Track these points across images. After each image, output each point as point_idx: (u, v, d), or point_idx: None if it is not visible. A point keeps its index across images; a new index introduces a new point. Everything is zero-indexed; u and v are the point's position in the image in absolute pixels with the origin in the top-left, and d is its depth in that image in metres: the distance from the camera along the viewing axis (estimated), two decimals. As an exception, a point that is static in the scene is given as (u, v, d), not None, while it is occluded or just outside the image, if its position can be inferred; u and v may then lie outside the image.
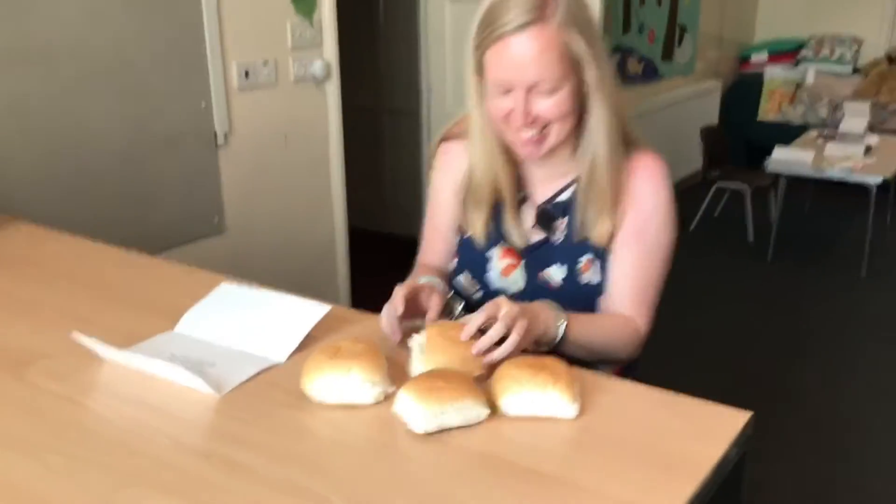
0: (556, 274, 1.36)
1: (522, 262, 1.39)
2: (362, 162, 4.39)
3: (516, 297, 1.34)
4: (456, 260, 1.45)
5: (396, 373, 1.11)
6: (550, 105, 1.23)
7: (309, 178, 3.12)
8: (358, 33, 4.39)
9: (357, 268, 3.45)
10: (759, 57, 6.41)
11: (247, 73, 2.76)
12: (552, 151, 1.30)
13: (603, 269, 1.35)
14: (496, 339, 1.09)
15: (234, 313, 1.27)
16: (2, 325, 1.31)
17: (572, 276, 1.35)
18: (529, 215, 1.39)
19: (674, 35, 5.44)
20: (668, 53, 5.43)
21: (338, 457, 0.96)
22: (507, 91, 1.22)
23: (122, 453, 0.95)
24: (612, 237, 1.33)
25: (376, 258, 4.08)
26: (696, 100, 5.75)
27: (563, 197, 1.36)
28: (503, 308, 1.12)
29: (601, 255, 1.34)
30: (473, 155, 1.36)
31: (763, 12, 6.64)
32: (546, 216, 1.37)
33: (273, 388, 1.10)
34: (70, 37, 2.26)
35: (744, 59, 6.50)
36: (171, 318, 1.30)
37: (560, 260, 1.35)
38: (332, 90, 3.09)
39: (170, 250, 2.56)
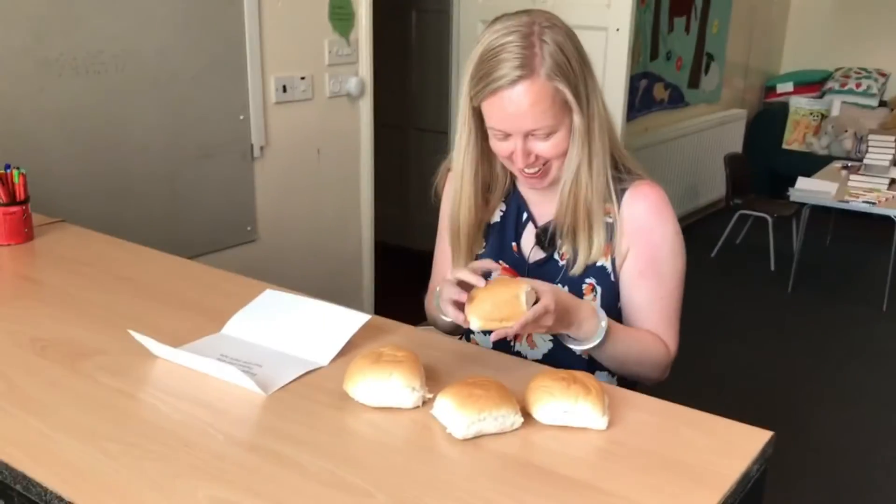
0: None
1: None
2: (389, 178, 4.46)
3: None
4: None
5: (433, 380, 1.16)
6: (548, 147, 1.31)
7: (339, 192, 3.19)
8: (391, 52, 4.48)
9: (381, 281, 3.51)
10: (784, 87, 6.44)
11: (284, 88, 2.84)
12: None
13: (604, 295, 1.40)
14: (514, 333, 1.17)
15: (279, 318, 1.33)
16: (58, 320, 1.38)
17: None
18: (531, 235, 1.46)
19: (701, 63, 5.50)
20: (694, 81, 5.48)
21: (379, 455, 1.01)
22: (507, 136, 1.31)
23: (177, 444, 1.01)
24: (611, 261, 1.39)
25: (400, 272, 4.15)
26: (721, 127, 5.79)
27: None
28: (548, 314, 1.17)
29: (602, 281, 1.40)
30: (457, 195, 1.44)
31: (790, 43, 6.68)
32: (545, 235, 1.43)
33: (317, 389, 1.16)
34: (117, 49, 2.35)
35: (769, 89, 6.54)
36: (216, 320, 1.37)
37: (563, 281, 1.41)
38: (366, 106, 3.17)
39: (204, 256, 2.63)
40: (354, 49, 3.07)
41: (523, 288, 1.16)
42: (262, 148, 2.82)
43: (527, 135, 1.29)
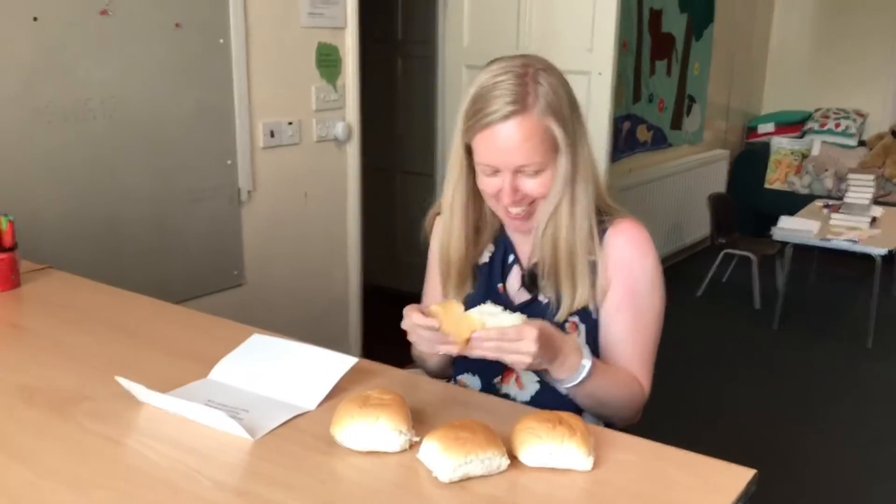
0: None
1: None
2: (375, 220, 4.49)
3: None
4: None
5: (420, 423, 1.17)
6: (536, 185, 1.34)
7: (326, 235, 3.21)
8: (377, 96, 4.54)
9: (367, 322, 3.52)
10: (765, 127, 6.55)
11: (272, 133, 2.87)
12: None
13: (588, 333, 1.41)
14: (491, 353, 1.19)
15: (266, 362, 1.34)
16: (46, 367, 1.38)
17: None
18: (516, 277, 1.47)
19: (683, 105, 5.59)
20: (677, 122, 5.57)
21: (366, 500, 1.01)
22: (495, 172, 1.33)
23: (165, 490, 1.02)
24: (594, 300, 1.40)
25: (386, 314, 4.15)
26: (704, 167, 5.87)
27: None
28: (523, 340, 1.17)
29: (585, 319, 1.41)
30: (447, 230, 1.45)
31: (770, 84, 6.81)
32: (532, 277, 1.44)
33: (304, 434, 1.17)
34: (105, 95, 2.38)
35: (751, 129, 6.64)
36: (204, 364, 1.37)
37: (548, 321, 1.41)
38: (353, 151, 3.21)
39: (190, 301, 2.63)
40: (341, 95, 3.11)
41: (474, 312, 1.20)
42: (249, 192, 2.84)
43: (516, 171, 1.31)
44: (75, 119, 2.32)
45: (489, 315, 1.20)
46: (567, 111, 1.32)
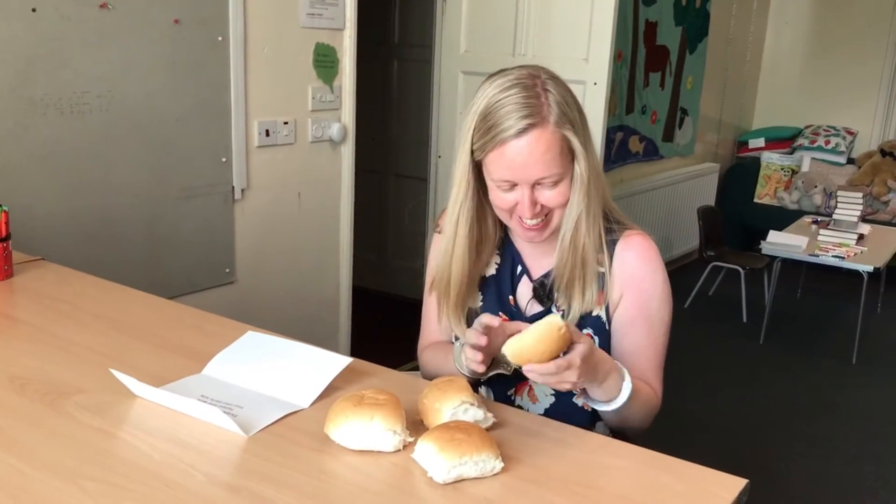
0: None
1: None
2: (367, 222, 4.49)
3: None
4: None
5: (413, 424, 1.17)
6: (554, 195, 1.31)
7: (318, 235, 3.21)
8: (372, 99, 4.55)
9: (357, 325, 3.52)
10: (756, 142, 6.59)
11: (267, 132, 2.87)
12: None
13: (601, 346, 1.40)
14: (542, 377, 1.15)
15: (261, 360, 1.34)
16: (38, 359, 1.38)
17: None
18: (527, 289, 1.47)
19: (675, 117, 5.62)
20: (668, 135, 5.60)
21: (360, 499, 1.01)
22: (512, 187, 1.31)
23: (157, 484, 1.01)
24: (602, 308, 1.40)
25: (376, 317, 4.15)
26: (694, 180, 5.91)
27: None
28: (571, 369, 1.14)
29: (599, 331, 1.41)
30: (448, 249, 1.41)
31: (761, 100, 6.86)
32: (543, 289, 1.44)
33: (297, 431, 1.16)
34: (103, 90, 2.37)
35: (741, 144, 6.69)
36: (196, 360, 1.37)
37: None
38: (347, 152, 3.20)
39: (181, 297, 2.62)
40: (338, 96, 3.11)
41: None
42: (243, 190, 2.84)
43: (534, 184, 1.29)
44: (71, 112, 2.31)
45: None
46: (577, 116, 1.30)
